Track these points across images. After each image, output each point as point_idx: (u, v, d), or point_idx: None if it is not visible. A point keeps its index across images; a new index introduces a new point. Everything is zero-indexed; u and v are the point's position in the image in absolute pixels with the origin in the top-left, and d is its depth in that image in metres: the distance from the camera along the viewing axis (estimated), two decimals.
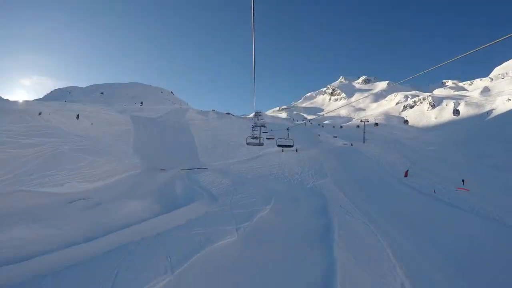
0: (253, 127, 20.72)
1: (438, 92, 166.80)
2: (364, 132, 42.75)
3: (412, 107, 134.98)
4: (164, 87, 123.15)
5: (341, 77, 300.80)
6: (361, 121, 50.02)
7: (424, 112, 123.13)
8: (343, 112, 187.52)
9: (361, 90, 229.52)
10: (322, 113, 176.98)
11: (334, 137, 46.49)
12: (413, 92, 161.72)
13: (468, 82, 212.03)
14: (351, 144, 38.85)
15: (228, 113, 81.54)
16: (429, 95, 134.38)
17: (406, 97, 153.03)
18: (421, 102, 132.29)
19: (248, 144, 18.43)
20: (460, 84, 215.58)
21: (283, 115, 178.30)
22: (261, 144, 17.78)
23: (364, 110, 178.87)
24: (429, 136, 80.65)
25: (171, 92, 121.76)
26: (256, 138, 18.26)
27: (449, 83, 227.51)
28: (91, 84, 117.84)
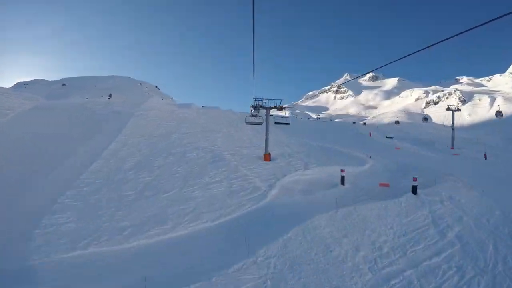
0: (252, 106, 17.17)
1: (458, 88, 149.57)
2: (452, 129, 25.57)
3: (436, 103, 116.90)
4: (158, 84, 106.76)
5: (346, 74, 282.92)
6: (447, 108, 31.24)
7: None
8: (352, 110, 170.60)
9: (369, 88, 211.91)
10: (328, 111, 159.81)
11: (388, 137, 29.08)
12: (433, 88, 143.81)
13: (486, 78, 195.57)
14: (485, 157, 21.24)
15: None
16: (456, 89, 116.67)
17: (427, 92, 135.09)
18: (446, 98, 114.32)
19: (247, 123, 17.26)
20: (477, 80, 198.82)
21: (285, 114, 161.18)
22: (260, 123, 16.69)
23: (376, 108, 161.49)
24: (475, 136, 63.08)
25: (156, 86, 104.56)
26: (256, 116, 17.07)
27: (464, 79, 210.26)
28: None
